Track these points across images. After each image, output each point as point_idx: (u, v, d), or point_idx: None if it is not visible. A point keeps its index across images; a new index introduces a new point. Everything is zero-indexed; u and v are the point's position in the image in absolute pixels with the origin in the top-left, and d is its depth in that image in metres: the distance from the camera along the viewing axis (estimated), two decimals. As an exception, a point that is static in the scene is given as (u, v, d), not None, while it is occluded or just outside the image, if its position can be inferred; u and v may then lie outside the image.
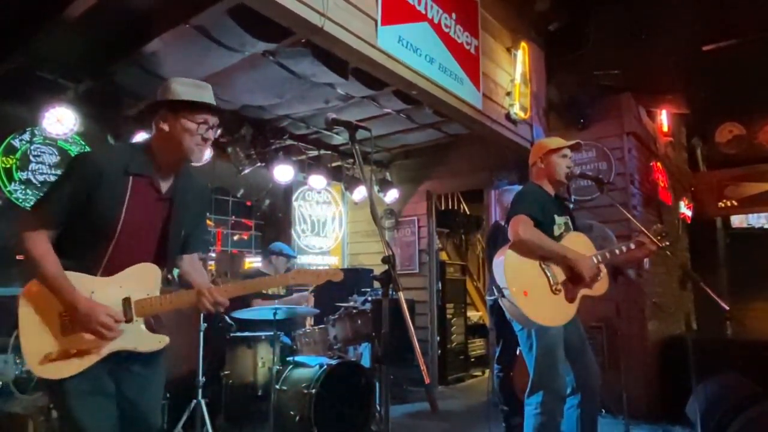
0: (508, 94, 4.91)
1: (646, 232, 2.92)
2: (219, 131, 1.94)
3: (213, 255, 6.31)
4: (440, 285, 6.56)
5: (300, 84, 4.20)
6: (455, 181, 6.50)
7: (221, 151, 4.83)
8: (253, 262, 6.57)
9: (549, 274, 2.67)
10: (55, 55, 3.69)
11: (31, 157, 4.33)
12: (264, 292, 4.45)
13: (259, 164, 5.03)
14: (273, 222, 6.52)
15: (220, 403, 3.80)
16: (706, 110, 7.11)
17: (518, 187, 4.38)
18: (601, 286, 2.80)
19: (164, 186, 1.88)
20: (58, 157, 4.47)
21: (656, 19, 5.26)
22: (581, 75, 5.34)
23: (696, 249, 7.52)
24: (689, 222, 7.43)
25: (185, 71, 3.92)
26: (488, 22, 4.74)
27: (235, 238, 6.44)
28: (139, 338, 1.79)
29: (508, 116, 4.85)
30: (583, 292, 2.73)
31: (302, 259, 6.59)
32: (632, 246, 2.91)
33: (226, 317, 3.94)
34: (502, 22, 4.99)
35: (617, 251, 2.86)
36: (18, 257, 1.76)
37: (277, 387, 3.63)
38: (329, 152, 5.99)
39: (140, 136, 4.05)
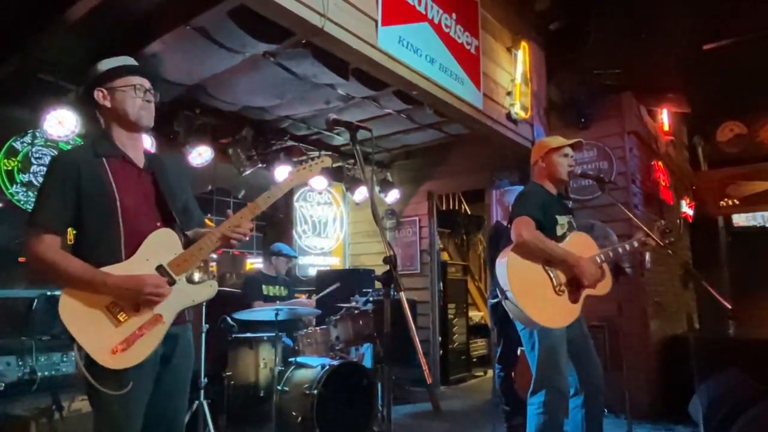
0: (509, 93, 4.91)
1: (648, 231, 2.92)
2: (158, 96, 1.96)
3: (214, 256, 6.32)
4: (442, 285, 6.56)
5: (300, 85, 4.20)
6: (456, 181, 6.50)
7: (222, 153, 4.84)
8: (254, 263, 6.57)
9: (552, 275, 2.66)
10: (56, 57, 3.69)
11: (32, 160, 4.33)
12: (266, 293, 4.46)
13: (260, 165, 5.03)
14: (274, 223, 6.52)
15: (222, 404, 3.80)
16: (707, 109, 7.11)
17: (520, 188, 4.38)
18: (604, 286, 2.79)
19: (138, 161, 1.91)
20: (60, 159, 4.47)
21: (657, 18, 5.26)
22: (582, 74, 5.34)
23: (697, 248, 7.51)
24: (691, 221, 7.43)
25: (186, 72, 3.95)
26: (488, 22, 4.74)
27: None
28: (190, 293, 1.85)
29: (508, 116, 4.85)
30: (587, 291, 2.73)
31: (303, 260, 6.59)
32: (635, 244, 2.91)
33: (228, 318, 3.94)
34: (502, 22, 4.98)
35: (620, 250, 2.86)
36: (31, 269, 1.75)
37: (279, 388, 3.63)
38: (330, 153, 5.99)
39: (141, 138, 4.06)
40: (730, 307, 2.92)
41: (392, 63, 3.49)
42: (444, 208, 8.19)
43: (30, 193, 4.27)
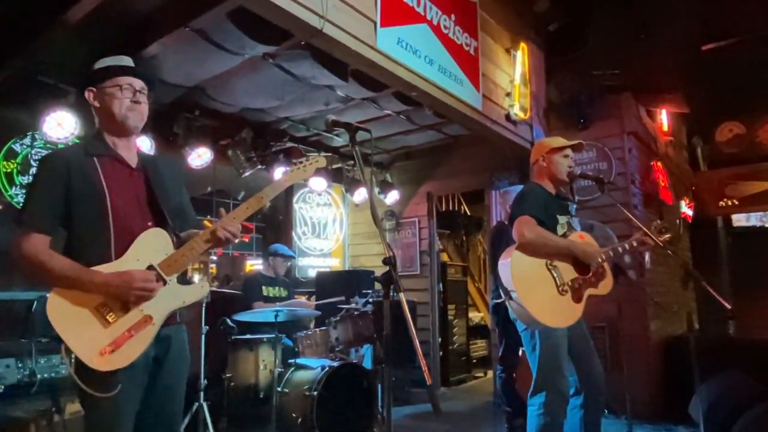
0: (508, 94, 4.91)
1: (647, 231, 2.93)
2: (152, 96, 1.96)
3: (214, 258, 6.32)
4: (441, 286, 6.56)
5: (300, 86, 4.21)
6: (456, 182, 6.49)
7: (222, 154, 4.84)
8: (254, 264, 6.57)
9: (555, 275, 2.66)
10: (56, 59, 3.69)
11: (32, 162, 4.33)
12: (265, 295, 4.46)
13: (259, 167, 5.03)
14: (274, 224, 6.52)
15: (222, 406, 3.80)
16: (706, 109, 7.11)
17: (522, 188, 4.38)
18: (606, 285, 2.80)
19: (131, 161, 1.90)
20: (59, 161, 4.47)
21: (656, 18, 5.26)
22: (581, 75, 5.34)
23: (697, 248, 7.51)
24: (690, 221, 7.43)
25: (185, 74, 3.95)
26: (487, 23, 4.74)
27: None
28: (181, 294, 1.83)
29: (508, 117, 4.85)
30: (590, 291, 2.73)
31: (303, 261, 6.59)
32: (634, 243, 2.92)
33: (228, 320, 3.94)
34: (501, 23, 4.99)
35: (620, 249, 2.87)
36: (18, 268, 1.72)
37: (279, 389, 3.63)
38: (329, 154, 5.99)
39: (140, 140, 4.06)
40: (729, 307, 2.92)
41: (391, 64, 3.49)
42: (444, 209, 8.19)
43: (29, 195, 4.27)
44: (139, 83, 1.91)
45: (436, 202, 6.67)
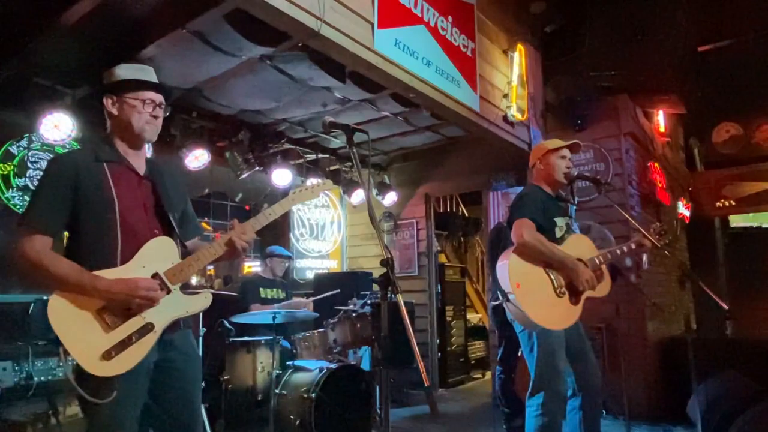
0: (505, 96, 4.92)
1: (644, 232, 2.94)
2: (169, 110, 1.99)
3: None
4: (439, 287, 6.55)
5: (297, 88, 4.20)
6: (453, 184, 6.50)
7: (219, 156, 4.83)
8: (252, 266, 6.56)
9: (553, 277, 2.67)
10: (52, 61, 3.68)
11: (28, 164, 4.32)
12: (263, 297, 4.45)
13: (257, 168, 5.02)
14: (271, 226, 6.49)
15: (219, 408, 3.79)
16: (702, 110, 7.13)
17: None
18: (604, 287, 2.81)
19: (139, 168, 1.91)
20: (56, 164, 4.46)
21: (652, 20, 5.27)
22: (578, 76, 5.35)
23: (694, 249, 7.54)
24: (687, 222, 7.45)
25: (182, 76, 3.94)
26: (484, 25, 4.75)
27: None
28: (184, 303, 1.84)
29: (505, 118, 4.85)
30: (588, 293, 2.74)
31: (301, 263, 6.58)
32: (633, 246, 2.93)
33: (225, 322, 3.93)
34: (498, 25, 5.00)
35: (618, 251, 2.88)
36: (19, 270, 1.70)
37: (277, 391, 3.62)
38: (327, 156, 5.99)
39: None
40: (727, 307, 2.93)
41: (389, 66, 3.49)
42: (441, 211, 8.19)
43: (26, 198, 4.26)
44: (159, 98, 1.93)
45: (433, 204, 6.68)
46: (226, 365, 3.85)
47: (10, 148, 4.23)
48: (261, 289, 4.47)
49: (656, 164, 6.08)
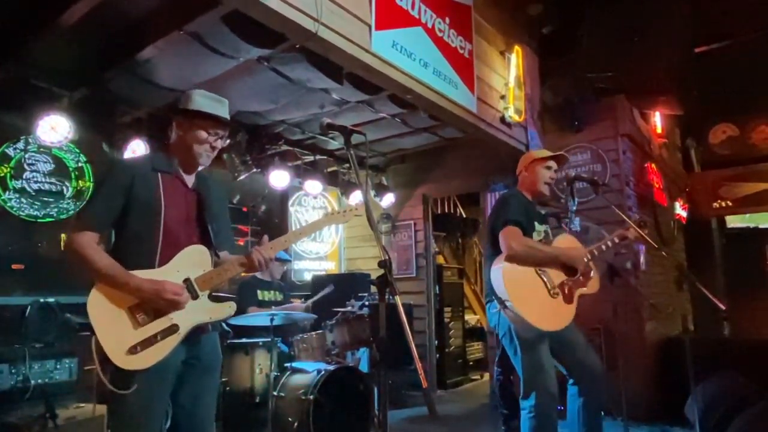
0: (503, 97, 4.93)
1: (640, 231, 2.98)
2: (227, 141, 2.09)
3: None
4: (438, 289, 6.55)
5: (295, 89, 4.20)
6: (451, 185, 6.50)
7: (216, 158, 4.81)
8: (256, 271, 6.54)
9: (545, 279, 2.74)
10: (50, 63, 3.68)
11: (25, 166, 4.31)
12: (260, 299, 4.45)
13: (254, 170, 5.02)
14: (269, 228, 6.49)
15: (217, 411, 3.76)
16: (699, 111, 7.16)
17: None
18: (594, 284, 2.88)
19: (189, 181, 2.08)
20: (53, 166, 4.45)
21: (648, 21, 5.29)
22: (575, 78, 5.36)
23: (692, 250, 7.55)
24: (685, 223, 7.46)
25: (180, 78, 3.94)
26: (482, 26, 4.76)
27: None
28: (209, 310, 1.96)
29: (502, 119, 4.86)
30: (580, 291, 2.80)
31: (299, 265, 6.58)
32: (616, 239, 3.02)
33: (223, 324, 3.92)
34: (495, 26, 5.01)
35: (603, 247, 2.96)
36: (68, 260, 1.87)
37: (275, 393, 3.62)
38: (325, 157, 5.98)
39: (135, 144, 4.05)
40: (724, 308, 2.94)
41: (386, 67, 3.50)
42: (439, 212, 8.19)
43: (23, 200, 4.24)
44: (223, 130, 2.10)
45: (431, 205, 6.68)
46: (223, 367, 3.84)
47: (6, 150, 4.22)
48: (258, 292, 4.46)
49: (653, 165, 6.10)
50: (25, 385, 3.30)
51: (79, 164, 4.60)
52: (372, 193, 6.26)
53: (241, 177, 4.95)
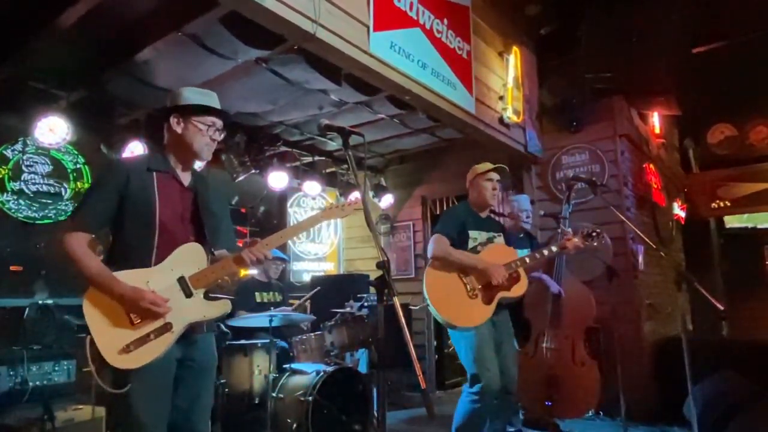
0: (501, 98, 4.93)
1: (638, 232, 3.03)
2: (224, 133, 2.14)
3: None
4: (436, 289, 6.54)
5: (293, 90, 4.20)
6: (450, 186, 6.49)
7: (215, 159, 4.82)
8: (248, 268, 6.53)
9: (466, 281, 3.01)
10: (48, 64, 3.67)
11: (23, 167, 4.30)
12: (259, 301, 4.43)
13: (253, 171, 5.01)
14: (268, 229, 6.49)
15: (216, 412, 3.77)
16: (697, 112, 7.17)
17: (525, 196, 4.50)
18: (518, 289, 3.10)
19: (185, 179, 2.09)
20: (51, 167, 4.45)
21: (646, 22, 5.30)
22: (573, 78, 5.36)
23: (690, 250, 7.55)
24: (683, 223, 7.47)
25: (178, 79, 3.93)
26: (480, 27, 4.76)
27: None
28: (203, 308, 1.96)
29: (501, 120, 4.86)
30: (501, 294, 3.04)
31: (298, 266, 6.58)
32: (554, 249, 3.21)
33: (222, 325, 3.92)
34: (493, 27, 5.01)
35: (537, 255, 3.17)
36: (58, 258, 1.89)
37: (274, 395, 3.61)
38: (323, 158, 5.99)
39: (133, 145, 4.04)
40: (722, 308, 2.95)
41: (384, 68, 3.50)
42: (438, 213, 8.18)
43: (21, 201, 4.24)
44: (221, 123, 2.11)
45: (430, 206, 6.68)
46: (222, 368, 3.83)
47: (4, 151, 4.22)
48: (256, 293, 4.44)
49: (651, 165, 6.10)
50: (23, 387, 3.30)
51: (78, 166, 4.60)
52: (371, 194, 6.26)
53: (240, 178, 4.94)
